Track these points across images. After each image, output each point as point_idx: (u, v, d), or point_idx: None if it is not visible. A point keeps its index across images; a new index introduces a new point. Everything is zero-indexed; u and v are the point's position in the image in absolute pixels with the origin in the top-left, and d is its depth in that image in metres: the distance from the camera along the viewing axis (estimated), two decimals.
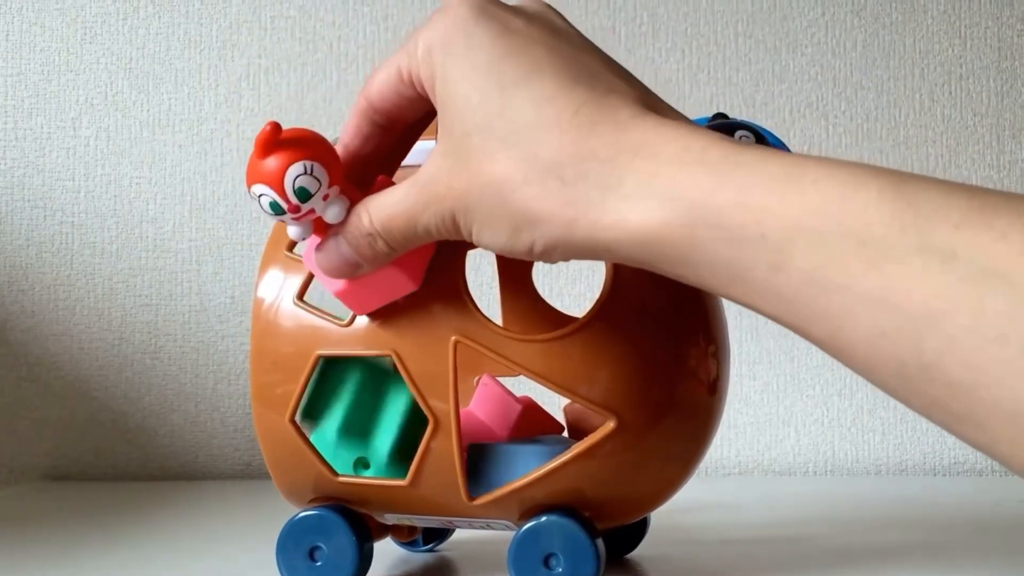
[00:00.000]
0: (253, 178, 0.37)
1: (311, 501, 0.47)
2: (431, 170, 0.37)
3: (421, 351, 0.43)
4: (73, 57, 0.90)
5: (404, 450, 0.45)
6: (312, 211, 0.38)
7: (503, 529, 0.47)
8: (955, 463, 0.92)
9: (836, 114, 0.94)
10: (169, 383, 0.89)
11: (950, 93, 0.95)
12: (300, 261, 0.45)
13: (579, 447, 0.43)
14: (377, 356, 0.44)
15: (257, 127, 0.89)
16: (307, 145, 0.37)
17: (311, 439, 0.46)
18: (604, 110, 0.34)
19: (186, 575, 0.53)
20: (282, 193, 0.37)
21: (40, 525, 0.68)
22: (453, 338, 0.43)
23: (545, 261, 0.36)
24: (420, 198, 0.37)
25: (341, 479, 0.45)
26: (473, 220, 0.36)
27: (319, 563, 0.46)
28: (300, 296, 0.45)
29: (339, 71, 0.91)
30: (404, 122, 0.41)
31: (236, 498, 0.79)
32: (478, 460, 0.46)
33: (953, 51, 0.96)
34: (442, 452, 0.43)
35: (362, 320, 0.44)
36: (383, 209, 0.38)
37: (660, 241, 0.32)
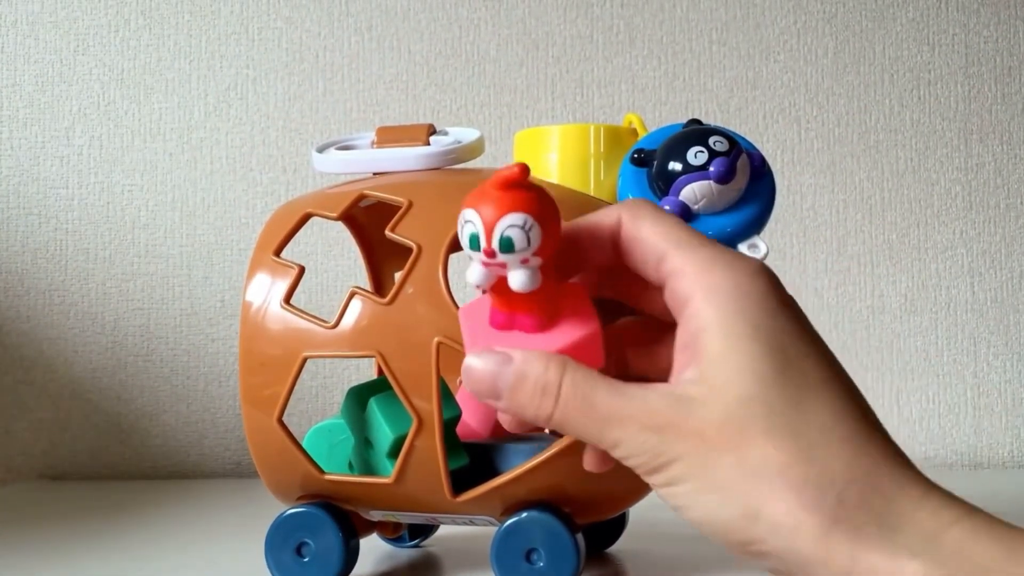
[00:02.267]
0: (472, 203, 0.34)
1: (299, 499, 0.47)
2: (675, 406, 0.33)
3: (405, 352, 0.43)
4: (66, 68, 0.90)
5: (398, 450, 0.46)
6: (504, 265, 0.34)
7: (486, 525, 0.48)
8: (943, 459, 0.93)
9: (808, 119, 0.95)
10: (161, 385, 0.89)
11: (919, 98, 0.96)
12: (287, 266, 0.45)
13: (559, 444, 0.43)
14: (362, 357, 0.44)
15: (246, 135, 0.91)
16: (541, 206, 0.34)
17: (371, 461, 0.47)
18: (886, 447, 0.32)
19: (178, 571, 0.53)
20: (488, 232, 0.33)
21: (36, 523, 0.68)
22: (436, 339, 0.43)
23: (752, 562, 0.32)
24: (644, 416, 0.33)
25: (328, 477, 0.46)
26: (699, 480, 0.32)
27: (306, 559, 0.46)
28: (287, 299, 0.45)
29: (324, 80, 0.92)
30: (625, 276, 0.37)
31: (226, 496, 0.79)
32: (476, 458, 0.47)
33: (922, 57, 0.96)
34: (426, 450, 0.44)
35: (347, 322, 0.44)
36: (586, 381, 0.34)
37: None
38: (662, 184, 0.43)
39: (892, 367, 0.93)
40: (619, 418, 0.33)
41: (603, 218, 0.36)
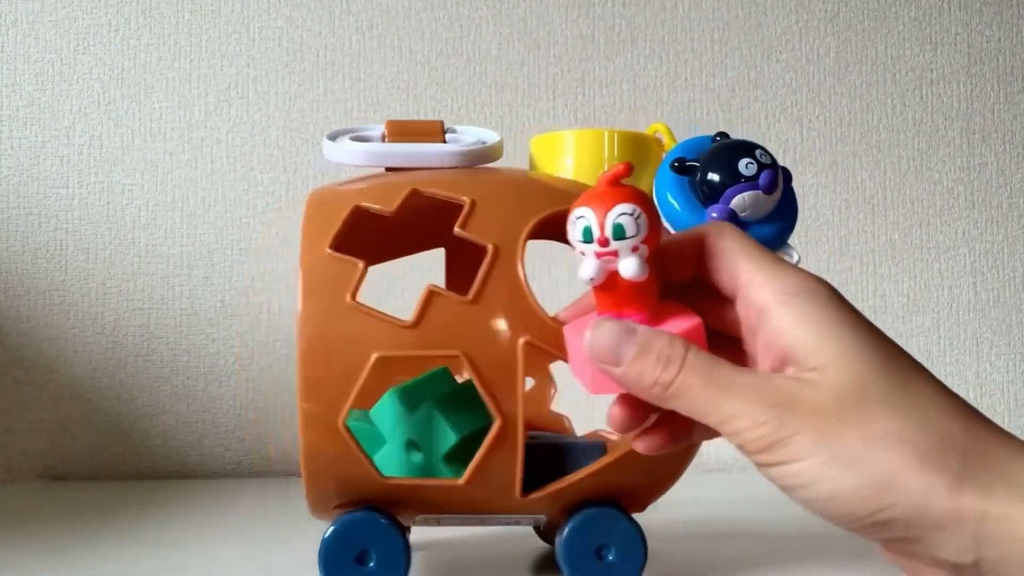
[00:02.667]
0: (583, 201, 0.37)
1: (339, 506, 0.45)
2: (793, 387, 0.35)
3: (490, 352, 0.43)
4: (67, 68, 0.90)
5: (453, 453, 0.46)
6: (616, 253, 0.37)
7: (531, 524, 0.48)
8: None
9: (810, 119, 0.95)
10: (161, 385, 0.89)
11: (921, 98, 0.96)
12: (349, 261, 0.43)
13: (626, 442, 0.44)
14: (442, 356, 0.44)
15: (246, 135, 0.91)
16: (645, 201, 0.37)
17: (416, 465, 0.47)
18: (985, 421, 0.36)
19: (178, 571, 0.53)
20: (601, 222, 0.37)
21: (36, 523, 0.68)
22: (522, 339, 0.43)
23: (871, 533, 0.35)
24: (766, 395, 0.35)
25: (390, 481, 0.44)
26: (815, 454, 0.34)
27: (369, 567, 0.44)
28: (354, 297, 0.43)
29: (325, 80, 0.92)
30: (698, 293, 0.40)
31: (226, 496, 0.79)
32: (527, 457, 0.46)
33: (924, 57, 0.97)
34: (506, 451, 0.43)
35: (429, 321, 0.43)
36: (707, 359, 0.36)
37: None
38: (708, 191, 0.45)
39: None
40: (739, 391, 0.35)
41: (689, 235, 0.40)
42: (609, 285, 0.38)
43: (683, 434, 0.41)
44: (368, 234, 0.49)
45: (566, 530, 0.45)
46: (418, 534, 0.57)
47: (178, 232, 0.90)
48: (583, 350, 0.38)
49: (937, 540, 0.34)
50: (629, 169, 0.37)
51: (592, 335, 0.38)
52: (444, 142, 0.49)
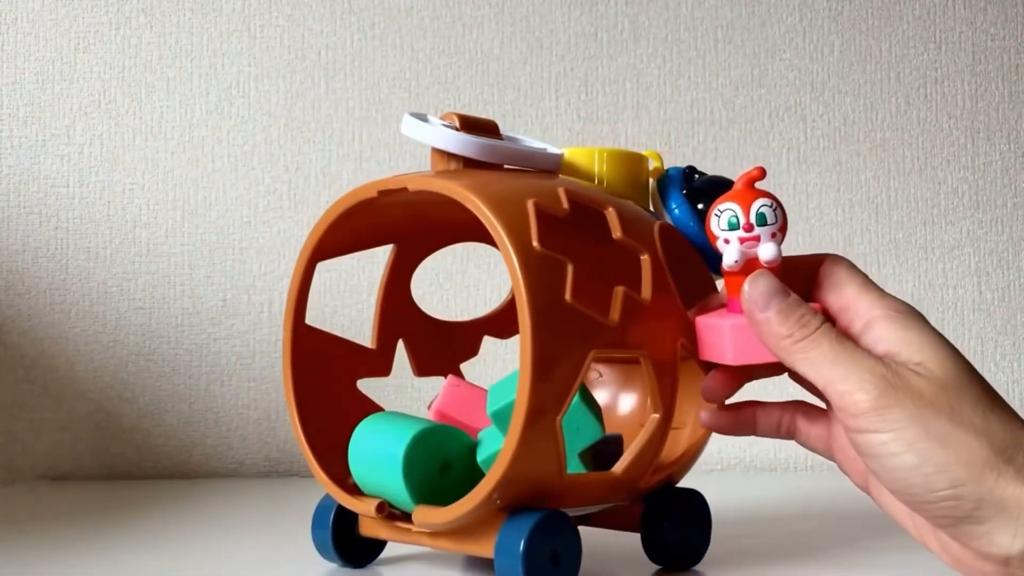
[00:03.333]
0: (727, 199, 0.45)
1: (506, 508, 0.44)
2: (894, 368, 0.41)
3: (661, 353, 0.46)
4: (67, 66, 0.90)
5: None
6: (758, 238, 0.44)
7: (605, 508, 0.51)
8: None
9: (814, 118, 0.95)
10: (163, 384, 0.89)
11: (926, 96, 0.96)
12: (558, 258, 0.43)
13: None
14: (631, 355, 0.46)
15: (248, 134, 0.91)
16: (776, 198, 0.45)
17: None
18: None
19: (181, 571, 0.53)
20: (747, 211, 0.44)
21: (37, 524, 0.68)
22: (680, 341, 0.47)
23: (939, 510, 0.40)
24: (877, 366, 0.41)
25: (568, 477, 0.44)
26: (908, 427, 0.40)
27: (560, 568, 0.44)
28: (571, 293, 0.43)
29: (327, 79, 0.92)
30: (819, 300, 0.46)
31: (229, 496, 0.79)
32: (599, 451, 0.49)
33: (928, 55, 0.96)
34: (661, 440, 0.46)
35: (624, 322, 0.45)
36: (838, 333, 0.43)
37: None
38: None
39: None
40: (856, 360, 0.41)
41: (810, 257, 0.47)
42: (745, 271, 0.44)
43: (747, 423, 0.48)
44: (360, 226, 0.51)
45: (671, 513, 0.49)
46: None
47: (179, 231, 0.90)
48: (719, 334, 0.46)
49: (996, 524, 0.39)
50: (764, 173, 0.45)
51: (752, 281, 0.44)
52: (502, 139, 0.50)
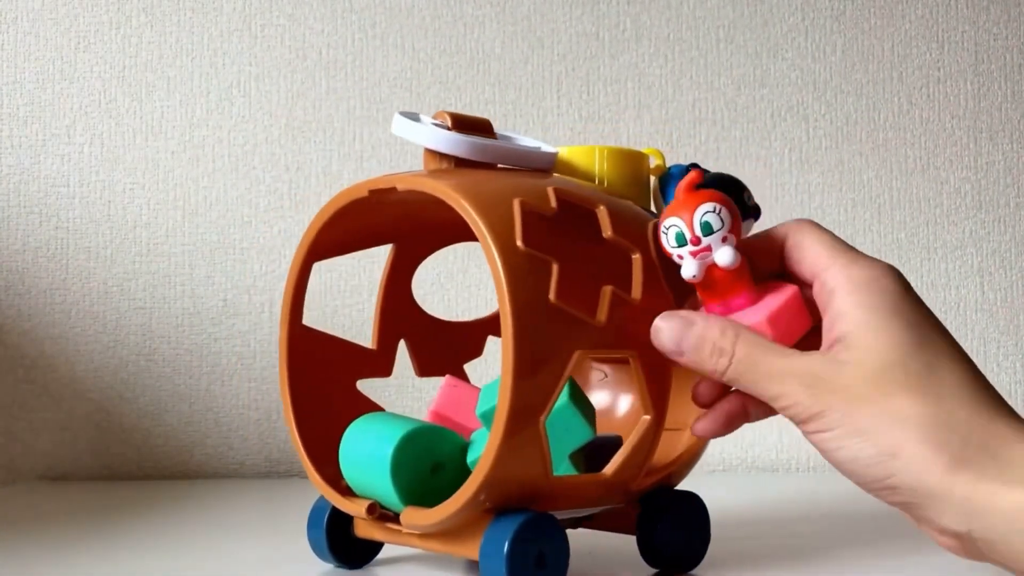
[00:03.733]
0: (669, 212, 0.44)
1: (491, 509, 0.44)
2: (826, 365, 0.41)
3: (653, 354, 0.45)
4: (67, 66, 0.90)
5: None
6: (709, 248, 0.43)
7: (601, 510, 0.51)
8: None
9: (816, 117, 0.95)
10: (163, 384, 0.89)
11: (928, 96, 0.96)
12: (543, 258, 0.43)
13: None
14: (620, 356, 0.46)
15: (248, 133, 0.91)
16: (722, 196, 0.44)
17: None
18: (1004, 408, 0.40)
19: (182, 572, 0.53)
20: (691, 224, 0.43)
21: (37, 524, 0.68)
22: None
23: (883, 497, 0.40)
24: (801, 371, 0.41)
25: (555, 479, 0.44)
26: (845, 424, 0.40)
27: (546, 569, 0.44)
28: (555, 293, 0.43)
29: (328, 78, 0.92)
30: (795, 273, 0.46)
31: (230, 497, 0.79)
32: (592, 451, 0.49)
33: (931, 55, 0.97)
34: (653, 442, 0.46)
35: (613, 322, 0.44)
36: (756, 345, 0.42)
37: None
38: None
39: None
40: (781, 375, 0.42)
41: (774, 231, 0.46)
42: (709, 281, 0.44)
43: (739, 415, 0.47)
44: (353, 225, 0.51)
45: (666, 516, 0.49)
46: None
47: (180, 231, 0.90)
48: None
49: (936, 510, 0.39)
50: (701, 174, 0.44)
51: (655, 333, 0.44)
52: (495, 138, 0.50)
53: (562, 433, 0.47)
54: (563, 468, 0.48)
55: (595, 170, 0.50)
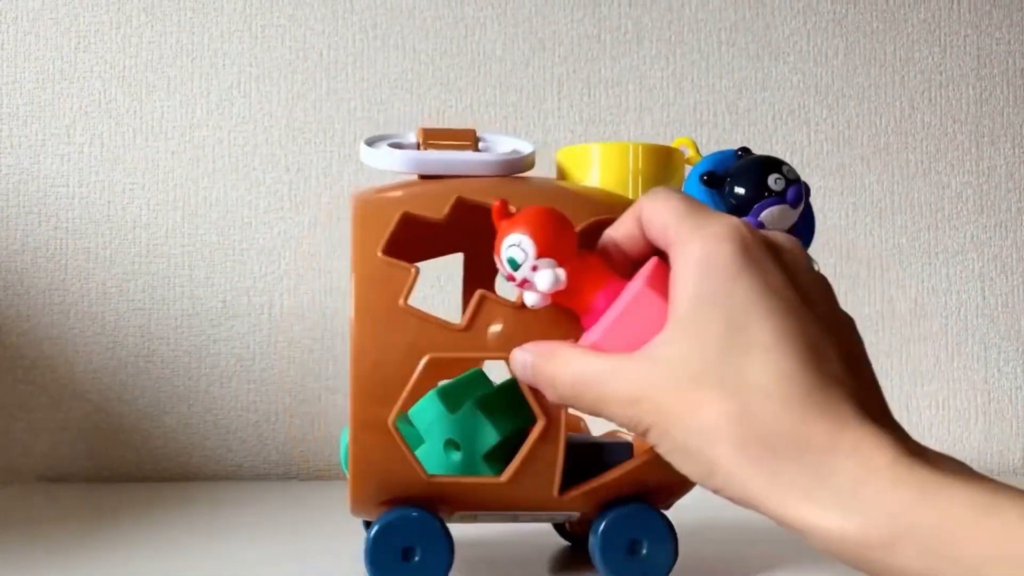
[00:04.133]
0: (495, 247, 0.42)
1: (382, 503, 0.47)
2: (643, 376, 0.38)
3: None
4: (67, 66, 0.90)
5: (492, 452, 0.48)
6: (525, 281, 0.41)
7: (561, 520, 0.51)
8: None
9: (818, 121, 0.96)
10: (162, 386, 0.89)
11: (930, 100, 0.96)
12: (402, 266, 0.45)
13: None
14: (492, 359, 0.46)
15: (248, 134, 0.91)
16: (527, 220, 0.41)
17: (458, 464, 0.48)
18: (829, 402, 0.36)
19: (180, 573, 0.53)
20: (501, 262, 0.41)
21: (36, 525, 0.68)
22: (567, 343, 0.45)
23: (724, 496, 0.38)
24: (622, 392, 0.38)
25: (434, 479, 0.46)
26: (667, 442, 0.37)
27: (414, 564, 0.46)
28: (406, 300, 0.45)
29: (328, 79, 0.92)
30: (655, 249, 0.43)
31: (229, 498, 0.80)
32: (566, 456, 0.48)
33: (933, 59, 0.97)
34: (548, 450, 0.46)
35: (479, 325, 0.45)
36: (581, 373, 0.40)
37: (857, 543, 0.34)
38: (737, 204, 0.48)
39: (902, 372, 0.94)
40: (604, 400, 0.39)
41: (630, 210, 0.42)
42: (560, 295, 0.42)
43: None
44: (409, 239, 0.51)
45: (602, 525, 0.47)
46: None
47: (179, 232, 0.90)
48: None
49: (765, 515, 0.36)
50: (503, 204, 0.42)
51: (511, 360, 0.44)
52: (477, 150, 0.50)
53: (471, 435, 0.48)
54: (483, 470, 0.48)
55: (628, 167, 0.50)
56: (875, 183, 0.96)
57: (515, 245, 0.41)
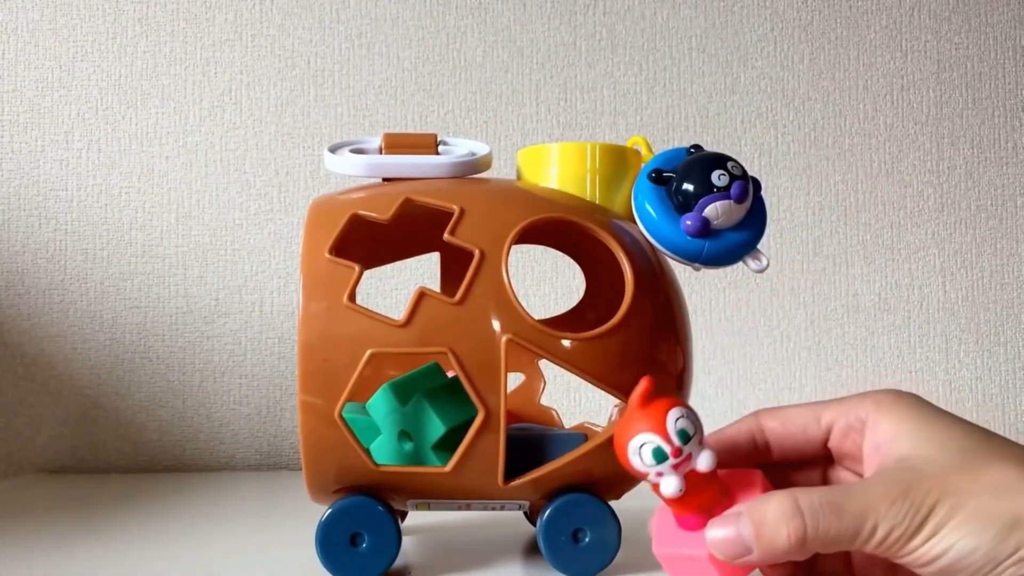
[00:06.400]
0: (635, 430, 0.38)
1: (336, 491, 0.48)
2: (906, 471, 0.37)
3: (476, 349, 0.46)
4: (66, 74, 0.90)
5: (441, 442, 0.49)
6: (689, 456, 0.38)
7: (515, 509, 0.51)
8: None
9: (785, 123, 0.95)
10: (158, 381, 0.89)
11: (892, 103, 0.97)
12: (346, 266, 0.46)
13: (604, 435, 0.47)
14: (431, 353, 0.47)
15: (239, 139, 0.92)
16: (675, 399, 0.39)
17: (409, 454, 0.49)
18: None
19: (175, 562, 0.54)
20: (666, 435, 0.38)
21: (36, 516, 0.69)
22: (505, 337, 0.46)
23: (1013, 572, 0.36)
24: (890, 489, 0.36)
25: (382, 468, 0.47)
26: (956, 515, 0.36)
27: (361, 550, 0.47)
28: (350, 298, 0.46)
29: (316, 86, 0.92)
30: (779, 453, 0.43)
31: (222, 489, 0.79)
32: (511, 446, 0.48)
33: (895, 64, 0.97)
34: (489, 441, 0.46)
35: (417, 320, 0.46)
36: (824, 495, 0.37)
37: None
38: (683, 200, 0.47)
39: (866, 364, 0.93)
40: (868, 504, 0.36)
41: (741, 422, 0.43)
42: (683, 492, 0.39)
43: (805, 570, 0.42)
44: (366, 240, 0.52)
45: (545, 514, 0.48)
46: (414, 519, 0.59)
47: (173, 233, 0.90)
48: (700, 566, 0.39)
49: None
50: (652, 383, 0.39)
51: (713, 546, 0.38)
52: (437, 153, 0.51)
53: (421, 426, 0.49)
54: (432, 460, 0.49)
55: (586, 166, 0.51)
56: (840, 183, 0.95)
57: (684, 417, 0.38)
